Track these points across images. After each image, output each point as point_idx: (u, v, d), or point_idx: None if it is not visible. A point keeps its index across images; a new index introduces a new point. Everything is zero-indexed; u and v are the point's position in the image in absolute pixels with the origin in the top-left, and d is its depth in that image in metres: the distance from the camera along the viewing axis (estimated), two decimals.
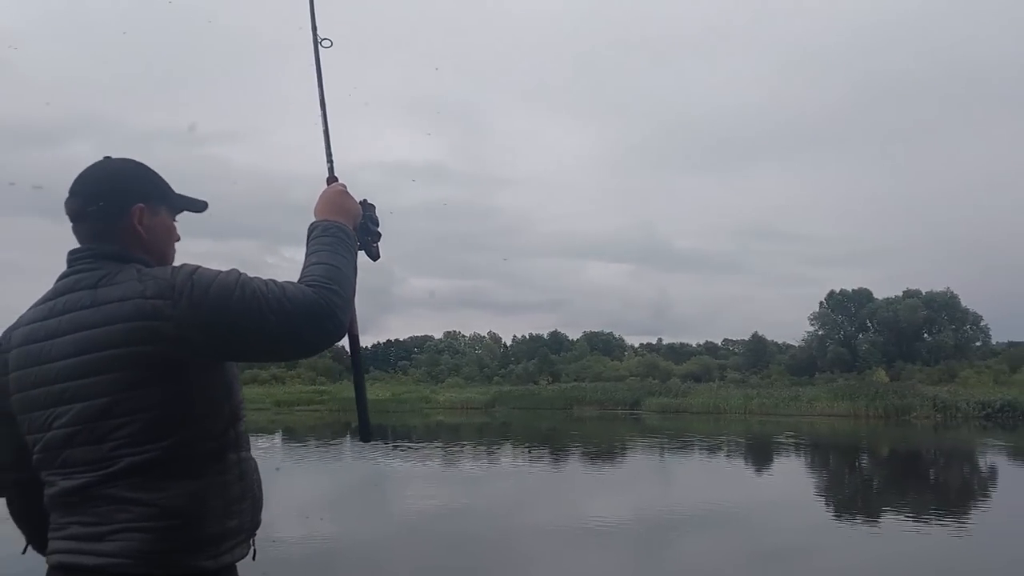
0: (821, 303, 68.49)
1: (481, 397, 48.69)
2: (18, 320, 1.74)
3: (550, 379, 58.96)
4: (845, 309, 68.15)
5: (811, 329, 68.34)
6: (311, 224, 1.79)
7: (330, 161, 2.03)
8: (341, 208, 1.85)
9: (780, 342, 72.64)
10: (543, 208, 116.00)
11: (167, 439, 1.58)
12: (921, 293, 65.03)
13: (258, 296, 1.55)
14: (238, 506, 1.69)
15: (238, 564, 1.74)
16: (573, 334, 74.84)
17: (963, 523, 11.20)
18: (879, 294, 66.99)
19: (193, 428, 1.61)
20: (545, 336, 75.47)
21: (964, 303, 64.19)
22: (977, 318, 64.54)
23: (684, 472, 18.05)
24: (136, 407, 1.56)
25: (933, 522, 11.08)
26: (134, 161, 1.79)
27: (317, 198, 1.88)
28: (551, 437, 27.80)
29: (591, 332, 76.60)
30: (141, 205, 1.73)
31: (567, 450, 22.61)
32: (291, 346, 1.60)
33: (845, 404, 36.65)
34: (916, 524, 10.83)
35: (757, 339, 70.77)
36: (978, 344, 64.17)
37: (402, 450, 21.16)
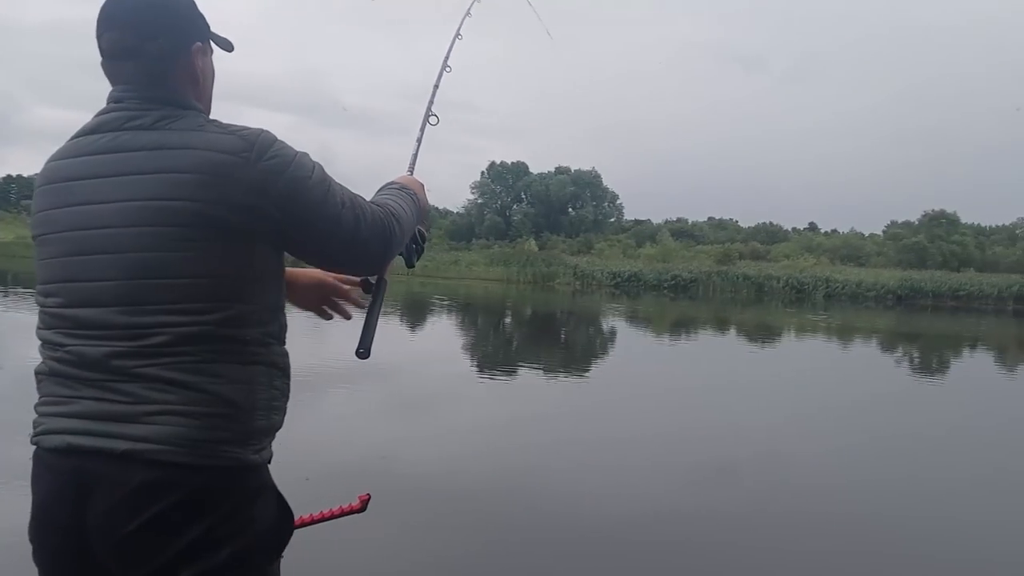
0: (482, 172, 71.59)
1: None
2: (54, 153, 1.52)
3: None
4: (503, 180, 71.89)
5: (472, 197, 71.40)
6: (390, 183, 1.79)
7: (414, 160, 2.06)
8: (419, 192, 1.83)
9: (442, 207, 75.10)
10: None
11: (216, 312, 1.39)
12: (571, 170, 70.47)
13: (335, 191, 1.49)
14: (280, 402, 1.52)
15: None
16: None
17: (583, 373, 12.70)
18: (534, 168, 71.41)
19: (244, 307, 1.43)
20: None
21: (605, 182, 70.77)
22: (614, 196, 71.79)
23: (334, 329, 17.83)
24: (185, 270, 1.37)
25: (560, 372, 12.29)
26: None
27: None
28: None
29: None
30: (199, 43, 1.54)
31: None
32: (351, 254, 1.55)
33: (499, 269, 39.07)
34: (547, 374, 11.80)
35: None
36: (612, 220, 71.54)
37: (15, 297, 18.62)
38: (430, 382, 10.47)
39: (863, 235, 66.80)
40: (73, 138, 1.50)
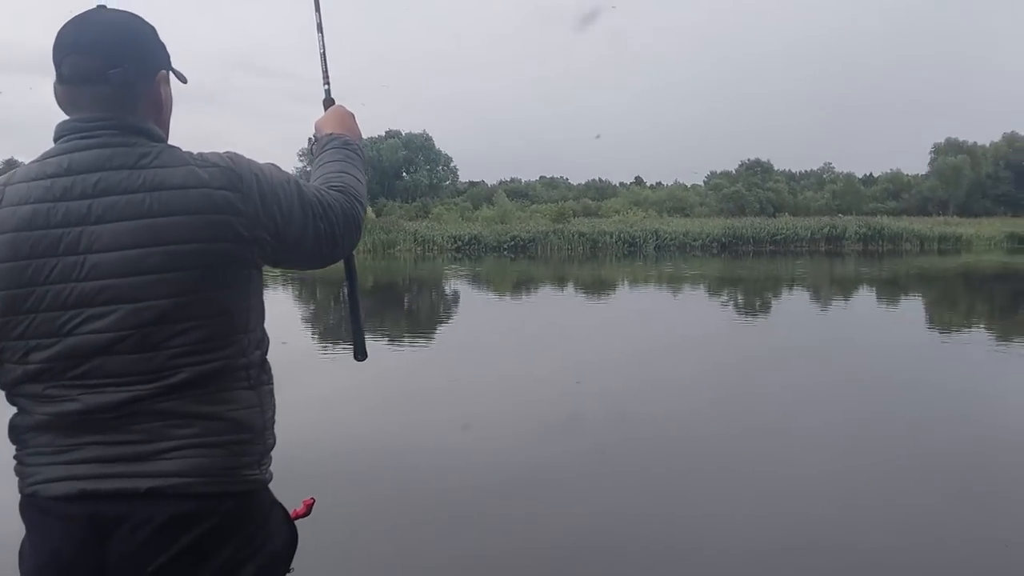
0: (309, 139, 69.22)
1: None
2: (8, 195, 1.38)
3: None
4: None
5: (300, 166, 69.10)
6: (326, 135, 1.80)
7: (327, 82, 2.01)
8: (352, 130, 1.86)
9: None
10: None
11: (230, 347, 1.41)
12: (401, 134, 69.49)
13: (310, 198, 1.51)
14: (274, 415, 1.53)
15: None
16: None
17: (429, 339, 13.07)
18: (364, 134, 69.84)
19: (251, 335, 1.46)
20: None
21: (438, 145, 70.33)
22: (448, 159, 71.45)
23: None
24: (200, 312, 1.37)
25: (405, 340, 12.33)
26: (142, 18, 1.49)
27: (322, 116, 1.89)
28: None
29: None
30: (164, 71, 1.51)
31: None
32: (330, 252, 1.59)
33: None
34: (391, 344, 11.70)
35: None
36: (448, 183, 71.36)
37: None
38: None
39: (686, 186, 70.08)
40: (34, 179, 1.37)
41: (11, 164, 66.73)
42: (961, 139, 63.57)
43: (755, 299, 19.91)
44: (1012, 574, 4.12)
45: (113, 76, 1.39)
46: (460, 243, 38.35)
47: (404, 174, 68.21)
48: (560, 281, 25.04)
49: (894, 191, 63.73)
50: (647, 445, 6.39)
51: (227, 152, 1.45)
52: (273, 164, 1.52)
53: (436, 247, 38.17)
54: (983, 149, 62.39)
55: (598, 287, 23.35)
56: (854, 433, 6.80)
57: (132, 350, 1.34)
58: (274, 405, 1.54)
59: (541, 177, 78.40)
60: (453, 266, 30.41)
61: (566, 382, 8.82)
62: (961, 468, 5.86)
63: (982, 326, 14.88)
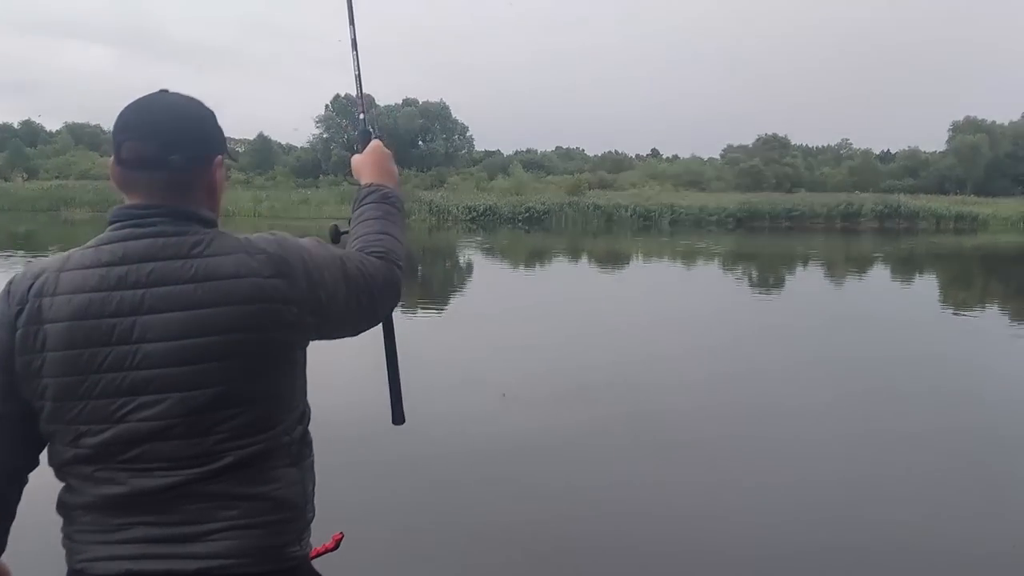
0: (326, 106, 69.09)
1: None
2: (61, 263, 1.42)
3: (26, 176, 51.52)
4: (349, 114, 69.80)
5: (317, 132, 69.06)
6: (365, 186, 1.77)
7: (364, 110, 1.95)
8: (391, 174, 1.84)
9: (284, 143, 72.39)
10: None
11: (275, 428, 1.44)
12: (418, 102, 69.28)
13: (353, 274, 1.53)
14: (314, 487, 1.58)
15: None
16: (52, 125, 65.93)
17: (441, 307, 13.29)
18: (380, 101, 69.61)
19: (295, 413, 1.50)
20: (16, 126, 65.27)
21: (454, 114, 70.09)
22: (464, 128, 71.25)
23: None
24: (248, 397, 1.40)
25: (419, 309, 12.35)
26: (201, 102, 1.52)
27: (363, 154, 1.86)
28: (26, 242, 24.67)
29: (74, 123, 68.41)
30: (221, 156, 1.52)
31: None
32: (368, 323, 1.62)
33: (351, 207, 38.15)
34: (407, 312, 11.82)
35: (262, 139, 69.52)
36: (464, 152, 71.20)
37: None
38: None
39: (703, 159, 69.68)
40: (90, 266, 1.40)
41: (27, 125, 66.72)
42: (980, 118, 62.89)
43: (769, 276, 20.01)
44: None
45: (171, 163, 1.42)
46: (475, 214, 38.39)
47: (420, 143, 68.07)
48: (575, 254, 25.15)
49: (911, 169, 63.10)
50: (649, 417, 6.60)
51: (275, 235, 1.48)
52: (318, 241, 1.54)
53: (451, 218, 38.24)
54: (1002, 128, 61.63)
55: (612, 260, 23.45)
56: (865, 407, 7.02)
57: (181, 436, 1.38)
58: (314, 478, 1.57)
59: (557, 148, 78.10)
60: (471, 239, 30.44)
61: (576, 352, 9.03)
62: (971, 444, 6.04)
63: (996, 306, 14.97)
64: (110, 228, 1.44)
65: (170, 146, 1.42)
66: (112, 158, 1.46)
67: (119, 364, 1.37)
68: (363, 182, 1.79)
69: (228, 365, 1.37)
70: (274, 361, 1.43)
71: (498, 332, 10.65)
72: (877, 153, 67.65)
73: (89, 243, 1.44)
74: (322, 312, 1.47)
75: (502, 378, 7.78)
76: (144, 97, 1.47)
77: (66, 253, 1.44)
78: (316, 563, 1.61)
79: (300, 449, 1.51)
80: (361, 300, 1.54)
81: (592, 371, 8.24)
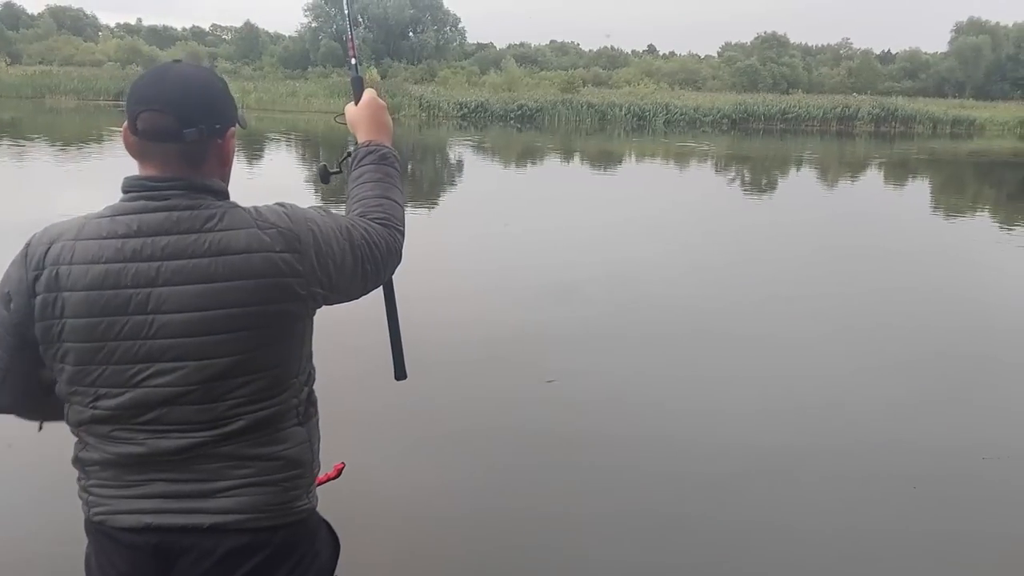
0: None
1: None
2: (77, 231, 1.45)
3: (8, 60, 50.06)
4: (338, 2, 67.63)
5: (305, 21, 67.01)
6: (365, 143, 1.80)
7: (354, 54, 1.99)
8: (387, 128, 1.86)
9: (272, 31, 70.39)
10: None
11: (284, 392, 1.52)
12: None
13: (359, 242, 1.58)
14: (319, 442, 1.65)
15: None
16: (34, 7, 63.91)
17: (432, 204, 13.54)
18: None
19: (303, 377, 1.57)
20: None
21: (446, 4, 68.00)
22: (456, 19, 69.24)
23: None
24: (260, 366, 1.47)
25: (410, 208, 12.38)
26: (214, 72, 1.60)
27: (355, 105, 1.87)
28: (12, 129, 24.18)
29: (56, 6, 66.35)
30: (234, 127, 1.55)
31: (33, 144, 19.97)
32: (372, 287, 1.67)
33: (341, 102, 36.98)
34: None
35: (249, 27, 67.72)
36: (455, 45, 69.42)
37: None
38: None
39: (700, 57, 68.32)
40: (105, 237, 1.44)
41: (9, 7, 64.47)
42: (984, 19, 61.56)
43: (762, 177, 19.94)
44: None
45: (186, 135, 1.44)
46: (466, 110, 37.71)
47: (411, 34, 66.23)
48: (567, 153, 24.90)
49: (911, 70, 62.16)
50: (647, 311, 6.71)
51: (284, 206, 1.52)
52: (325, 211, 1.58)
53: (442, 113, 37.60)
54: (1005, 30, 60.44)
55: (605, 160, 23.26)
56: (853, 305, 7.29)
57: (195, 402, 1.45)
58: (319, 435, 1.64)
59: (551, 42, 76.32)
60: (462, 136, 30.00)
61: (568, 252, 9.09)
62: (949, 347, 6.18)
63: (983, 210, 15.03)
64: (123, 198, 1.47)
65: (185, 119, 1.44)
66: (125, 126, 1.48)
67: (136, 333, 1.43)
68: (360, 139, 1.82)
69: (241, 336, 1.44)
70: (285, 331, 1.49)
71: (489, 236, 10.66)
72: (877, 53, 66.52)
73: (104, 212, 1.47)
74: (330, 283, 1.52)
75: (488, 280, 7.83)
76: (158, 68, 1.50)
77: (81, 220, 1.47)
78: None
79: (307, 409, 1.58)
80: (367, 268, 1.60)
81: (583, 269, 8.31)
